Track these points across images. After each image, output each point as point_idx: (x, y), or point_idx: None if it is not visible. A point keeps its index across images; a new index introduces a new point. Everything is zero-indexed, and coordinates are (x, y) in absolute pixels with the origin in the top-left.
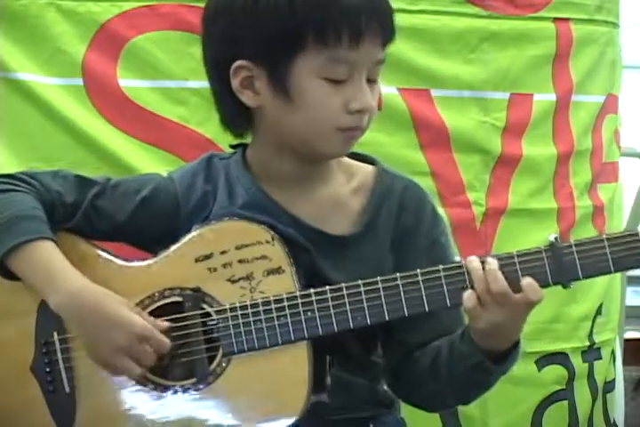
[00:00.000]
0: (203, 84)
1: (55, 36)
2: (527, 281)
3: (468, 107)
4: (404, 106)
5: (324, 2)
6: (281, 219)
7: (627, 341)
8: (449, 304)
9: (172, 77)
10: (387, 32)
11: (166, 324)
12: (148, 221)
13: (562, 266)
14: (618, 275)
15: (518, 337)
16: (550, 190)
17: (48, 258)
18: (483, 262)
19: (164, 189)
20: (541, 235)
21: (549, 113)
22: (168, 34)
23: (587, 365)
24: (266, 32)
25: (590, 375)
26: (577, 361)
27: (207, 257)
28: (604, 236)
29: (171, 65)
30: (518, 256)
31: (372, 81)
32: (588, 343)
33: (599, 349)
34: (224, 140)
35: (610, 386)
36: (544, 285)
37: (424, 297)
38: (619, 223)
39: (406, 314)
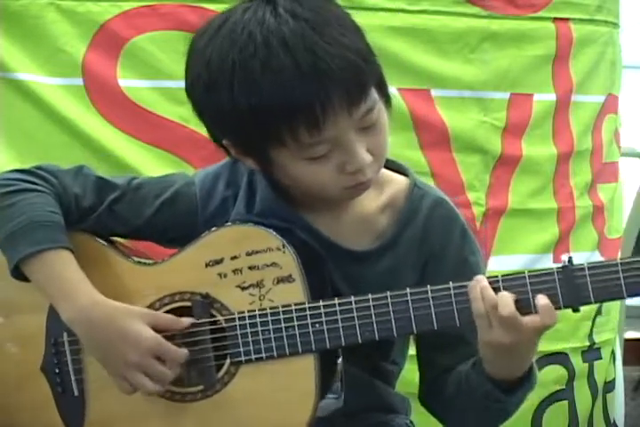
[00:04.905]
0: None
1: (55, 36)
2: (543, 302)
3: (468, 107)
4: (405, 106)
5: (268, 106)
6: (297, 226)
7: (627, 341)
8: (458, 324)
9: (172, 77)
10: (355, 95)
11: (189, 320)
12: (166, 225)
13: (574, 289)
14: None
15: (530, 365)
16: (550, 190)
17: (61, 269)
18: (492, 283)
19: (184, 193)
20: (541, 235)
21: (549, 113)
22: (168, 34)
23: (587, 365)
24: (236, 132)
25: (590, 375)
26: (577, 361)
27: (217, 262)
28: (618, 260)
29: (171, 65)
30: (530, 277)
31: (368, 127)
32: (587, 343)
33: (599, 349)
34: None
35: (610, 386)
36: (555, 307)
37: (433, 315)
38: (619, 223)
39: (415, 331)
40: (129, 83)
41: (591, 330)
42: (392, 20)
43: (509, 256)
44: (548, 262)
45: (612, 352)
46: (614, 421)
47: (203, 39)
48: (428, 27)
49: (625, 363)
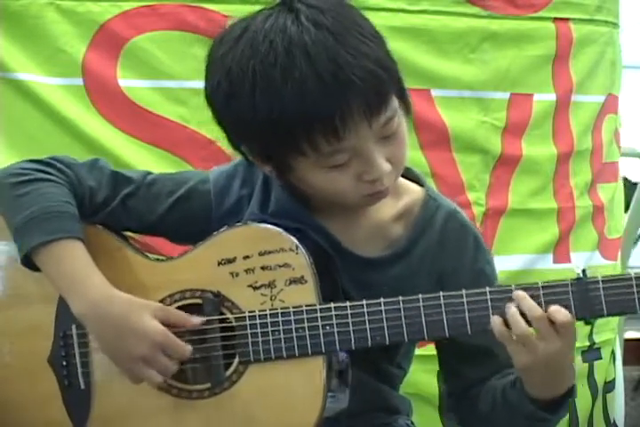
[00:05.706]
0: (203, 84)
1: (55, 35)
2: (552, 307)
3: (468, 107)
4: None
5: (288, 116)
6: (311, 228)
7: (627, 341)
8: (470, 332)
9: (172, 77)
10: (375, 106)
11: (200, 319)
12: (179, 223)
13: (587, 302)
14: (618, 272)
15: (571, 382)
16: (550, 190)
17: (73, 261)
18: (505, 292)
19: (198, 191)
20: (541, 235)
21: (549, 113)
22: (168, 34)
23: (587, 365)
24: (256, 140)
25: (590, 375)
26: (577, 361)
27: (230, 261)
28: (633, 275)
29: (171, 65)
30: (543, 288)
31: (388, 136)
32: (587, 343)
33: (599, 349)
34: (226, 141)
35: (610, 386)
36: None
37: (445, 321)
38: (619, 223)
39: (426, 337)
40: (129, 83)
41: (591, 330)
42: (392, 20)
43: (509, 256)
44: (547, 263)
45: (612, 352)
46: (614, 421)
47: (222, 47)
48: (428, 27)
49: (625, 363)
